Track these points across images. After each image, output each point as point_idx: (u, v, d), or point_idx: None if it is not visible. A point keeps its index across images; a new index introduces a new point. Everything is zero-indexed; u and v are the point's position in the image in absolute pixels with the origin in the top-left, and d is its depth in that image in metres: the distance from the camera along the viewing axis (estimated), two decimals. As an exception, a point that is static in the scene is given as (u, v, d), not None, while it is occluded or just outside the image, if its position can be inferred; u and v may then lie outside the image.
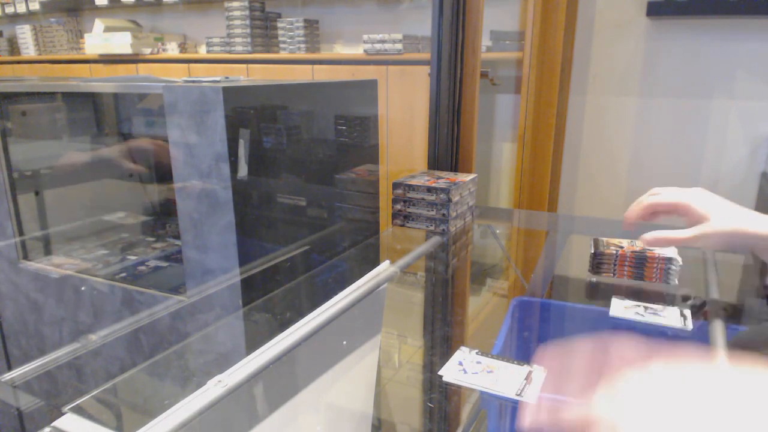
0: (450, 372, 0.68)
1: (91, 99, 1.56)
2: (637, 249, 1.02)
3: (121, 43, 3.35)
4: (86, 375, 1.21)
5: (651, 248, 1.02)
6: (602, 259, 1.03)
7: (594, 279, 1.03)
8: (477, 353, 0.72)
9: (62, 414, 0.58)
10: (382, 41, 2.56)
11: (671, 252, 1.00)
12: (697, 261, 1.05)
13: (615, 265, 1.03)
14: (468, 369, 0.68)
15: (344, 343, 0.74)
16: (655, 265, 1.00)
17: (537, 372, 0.67)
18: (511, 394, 0.63)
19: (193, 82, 1.03)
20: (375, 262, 0.91)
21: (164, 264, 1.32)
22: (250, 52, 3.05)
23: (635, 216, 0.79)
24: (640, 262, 1.01)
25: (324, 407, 0.66)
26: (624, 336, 0.37)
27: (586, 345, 0.38)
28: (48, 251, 1.41)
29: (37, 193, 1.39)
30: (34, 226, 1.39)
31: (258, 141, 1.00)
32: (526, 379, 0.66)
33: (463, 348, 0.69)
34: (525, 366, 0.69)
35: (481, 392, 0.61)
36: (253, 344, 0.65)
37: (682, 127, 2.20)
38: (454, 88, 1.36)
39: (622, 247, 1.02)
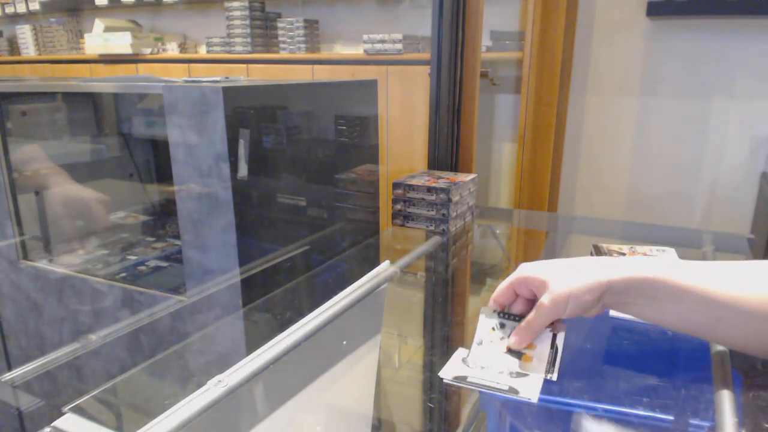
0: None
1: (91, 99, 1.56)
2: (639, 255, 1.01)
3: (121, 43, 3.35)
4: (86, 375, 1.21)
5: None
6: None
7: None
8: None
9: (62, 414, 0.58)
10: (382, 41, 2.56)
11: (671, 256, 0.99)
12: (697, 261, 1.05)
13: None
14: (468, 369, 0.68)
15: (344, 343, 0.74)
16: None
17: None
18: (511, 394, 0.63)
19: (193, 82, 1.03)
20: (375, 262, 0.91)
21: (164, 264, 1.33)
22: (250, 52, 3.05)
23: (502, 301, 0.67)
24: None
25: (324, 407, 0.66)
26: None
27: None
28: (48, 251, 1.41)
29: (37, 193, 1.39)
30: (33, 226, 1.39)
31: (258, 141, 1.00)
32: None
33: (462, 348, 0.69)
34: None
35: (481, 393, 0.61)
36: (253, 344, 0.65)
37: (682, 127, 2.20)
38: (454, 88, 1.36)
39: (623, 254, 1.02)
